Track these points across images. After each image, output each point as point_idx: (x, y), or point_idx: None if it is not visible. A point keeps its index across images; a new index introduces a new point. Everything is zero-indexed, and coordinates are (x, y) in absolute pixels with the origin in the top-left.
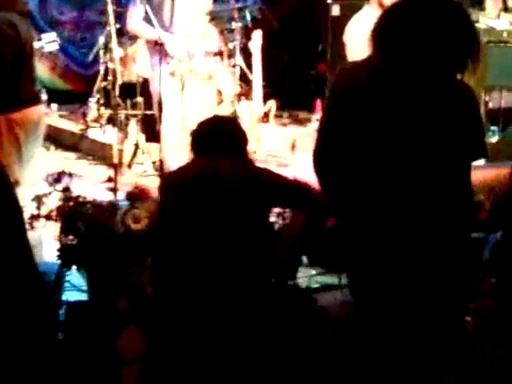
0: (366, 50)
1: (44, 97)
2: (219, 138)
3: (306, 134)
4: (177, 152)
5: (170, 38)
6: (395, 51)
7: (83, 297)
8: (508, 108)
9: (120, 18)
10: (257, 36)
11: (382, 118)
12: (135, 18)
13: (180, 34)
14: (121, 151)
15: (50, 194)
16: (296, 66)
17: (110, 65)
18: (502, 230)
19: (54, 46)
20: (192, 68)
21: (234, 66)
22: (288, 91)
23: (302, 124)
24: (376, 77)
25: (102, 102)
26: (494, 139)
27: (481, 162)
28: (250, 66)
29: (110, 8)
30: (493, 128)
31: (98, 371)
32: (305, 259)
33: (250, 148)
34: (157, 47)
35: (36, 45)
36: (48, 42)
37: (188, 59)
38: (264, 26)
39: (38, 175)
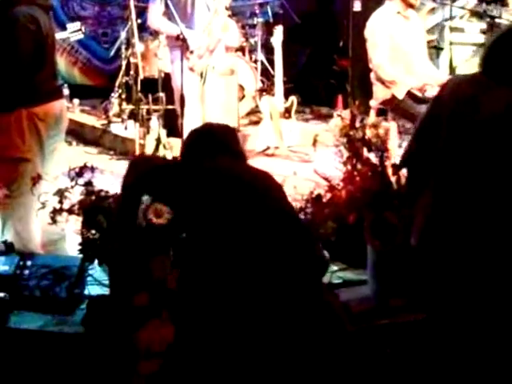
0: (387, 45)
1: (66, 92)
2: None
3: (328, 130)
4: None
5: (189, 33)
6: (500, 76)
7: (105, 291)
8: None
9: (142, 13)
10: (278, 31)
11: (482, 131)
12: (155, 14)
13: (200, 28)
14: (142, 146)
15: (72, 188)
16: (317, 61)
17: (131, 60)
18: None
19: (79, 36)
20: (212, 63)
21: (255, 62)
22: (309, 87)
23: (324, 120)
24: (479, 92)
25: (123, 96)
26: None
27: None
28: (271, 62)
29: (132, 3)
30: None
31: (116, 365)
32: (327, 254)
33: (272, 143)
34: (178, 42)
35: (61, 35)
36: (73, 31)
37: (208, 54)
38: (285, 22)
39: (60, 170)
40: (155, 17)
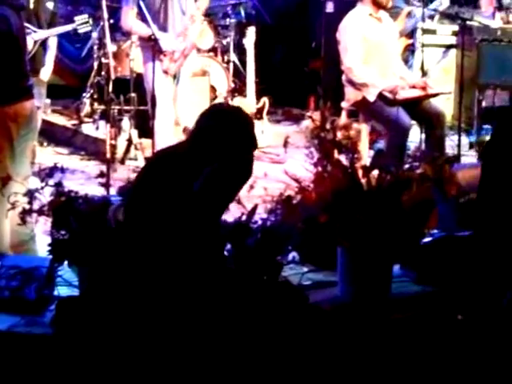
0: (359, 48)
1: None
2: None
3: (299, 131)
4: None
5: (164, 37)
6: None
7: (75, 292)
8: (501, 106)
9: (114, 13)
10: (250, 32)
11: None
12: (128, 15)
13: (174, 32)
14: (114, 146)
15: (42, 188)
16: (290, 62)
17: (103, 60)
18: None
19: (87, 28)
20: (186, 66)
21: (227, 63)
22: (282, 87)
23: (296, 121)
24: None
25: (95, 97)
26: (488, 137)
27: (473, 160)
28: (243, 63)
29: (104, 3)
30: (486, 126)
31: (87, 364)
32: (296, 256)
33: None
34: (149, 43)
35: (69, 27)
36: (80, 23)
37: (182, 58)
38: (258, 22)
39: (30, 170)
40: (128, 18)
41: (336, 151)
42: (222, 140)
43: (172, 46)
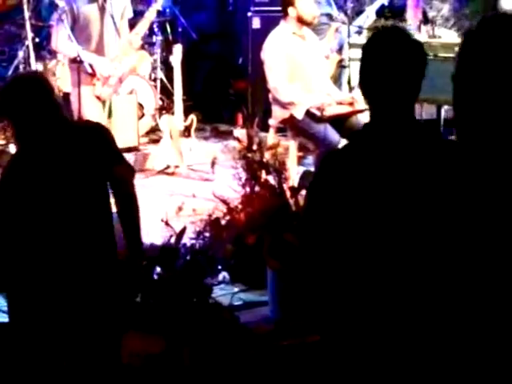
0: (284, 67)
1: None
2: None
3: (227, 149)
4: None
5: (99, 61)
6: None
7: (4, 318)
8: (428, 120)
9: (40, 31)
10: (177, 50)
11: None
12: (60, 38)
13: (110, 56)
14: None
15: None
16: (217, 78)
17: None
18: None
19: None
20: (119, 91)
21: (154, 80)
22: (210, 104)
23: (224, 137)
24: None
25: None
26: None
27: None
28: (171, 80)
29: (28, 22)
30: None
31: None
32: (227, 276)
33: (172, 162)
34: (75, 65)
35: None
36: None
37: (119, 84)
38: (184, 39)
39: None
40: (60, 41)
41: (264, 172)
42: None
43: (108, 71)
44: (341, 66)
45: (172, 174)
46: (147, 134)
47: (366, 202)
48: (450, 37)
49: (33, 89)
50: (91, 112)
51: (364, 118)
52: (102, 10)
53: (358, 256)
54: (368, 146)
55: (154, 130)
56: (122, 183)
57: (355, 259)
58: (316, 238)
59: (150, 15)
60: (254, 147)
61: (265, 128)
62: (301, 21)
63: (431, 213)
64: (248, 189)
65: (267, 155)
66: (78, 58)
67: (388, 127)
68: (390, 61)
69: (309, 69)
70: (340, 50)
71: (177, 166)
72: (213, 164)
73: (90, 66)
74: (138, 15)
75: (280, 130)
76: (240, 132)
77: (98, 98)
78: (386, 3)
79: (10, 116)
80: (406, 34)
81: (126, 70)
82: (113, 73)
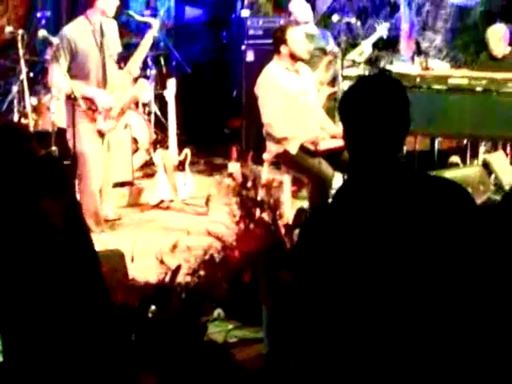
0: (278, 102)
1: None
2: None
3: (221, 186)
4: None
5: (100, 94)
6: None
7: None
8: (422, 152)
9: (35, 66)
10: (171, 84)
11: None
12: (55, 75)
13: (111, 88)
14: None
15: None
16: (212, 111)
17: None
18: None
19: None
20: (121, 123)
21: (149, 114)
22: (204, 137)
23: (219, 170)
24: None
25: None
26: None
27: None
28: (165, 113)
29: (22, 56)
30: None
31: None
32: (222, 313)
33: (166, 196)
34: (70, 102)
35: None
36: None
37: (121, 115)
38: (178, 73)
39: None
40: (56, 77)
41: (258, 209)
42: None
43: (109, 103)
44: (334, 98)
45: (166, 208)
46: (141, 168)
47: (357, 256)
48: (443, 69)
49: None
50: (90, 148)
51: None
52: (99, 44)
53: (353, 311)
54: (354, 199)
55: (149, 164)
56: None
57: (351, 314)
58: (309, 300)
59: (147, 42)
60: (249, 184)
61: (259, 161)
62: (293, 57)
63: (421, 260)
64: (242, 226)
65: (261, 192)
66: (72, 96)
67: (373, 179)
68: (371, 112)
69: (302, 103)
70: (333, 82)
71: (171, 201)
72: (207, 201)
73: (91, 100)
74: (132, 48)
75: (274, 164)
76: (234, 166)
77: (99, 132)
78: (385, 36)
79: None
80: (386, 83)
81: (127, 100)
82: (114, 104)
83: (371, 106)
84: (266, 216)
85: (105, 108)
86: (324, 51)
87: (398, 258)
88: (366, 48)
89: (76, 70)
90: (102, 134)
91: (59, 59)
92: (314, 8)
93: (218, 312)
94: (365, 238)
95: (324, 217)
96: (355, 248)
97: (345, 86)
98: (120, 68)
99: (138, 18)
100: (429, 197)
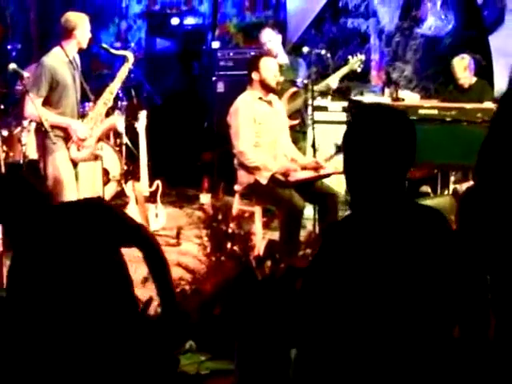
0: (250, 132)
1: None
2: None
3: (192, 218)
4: None
5: (76, 124)
6: None
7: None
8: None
9: (4, 98)
10: (142, 116)
11: None
12: (29, 107)
13: (86, 118)
14: None
15: None
16: (182, 143)
17: None
18: None
19: None
20: (96, 152)
21: (120, 145)
22: (175, 169)
23: (191, 201)
24: None
25: None
26: None
27: None
28: (136, 145)
29: None
30: None
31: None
32: (193, 344)
33: None
34: (41, 133)
35: None
36: None
37: (96, 143)
38: (150, 104)
39: None
40: (34, 108)
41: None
42: None
43: (84, 133)
44: (297, 130)
45: None
46: (113, 199)
47: (366, 270)
48: (413, 99)
49: (15, 186)
50: (67, 175)
51: (328, 181)
52: (74, 75)
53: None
54: (362, 228)
55: (120, 195)
56: (145, 251)
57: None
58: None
59: (122, 74)
60: (219, 216)
61: (230, 192)
62: (264, 85)
63: (413, 273)
64: (213, 259)
65: (232, 224)
66: (43, 128)
67: (378, 214)
68: (380, 144)
69: (274, 134)
70: (296, 114)
71: None
72: (178, 234)
73: (65, 129)
74: (105, 78)
75: (245, 194)
76: (206, 197)
77: (72, 161)
78: (359, 69)
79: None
80: (395, 115)
81: (104, 129)
82: (90, 134)
83: (380, 138)
84: (236, 248)
85: (80, 138)
86: (293, 82)
87: (396, 273)
88: (332, 82)
89: (53, 100)
90: (75, 164)
91: (40, 87)
92: (284, 39)
93: (189, 344)
94: (370, 260)
95: (339, 240)
96: (365, 265)
97: (316, 116)
98: (91, 100)
99: (113, 51)
100: (419, 223)
